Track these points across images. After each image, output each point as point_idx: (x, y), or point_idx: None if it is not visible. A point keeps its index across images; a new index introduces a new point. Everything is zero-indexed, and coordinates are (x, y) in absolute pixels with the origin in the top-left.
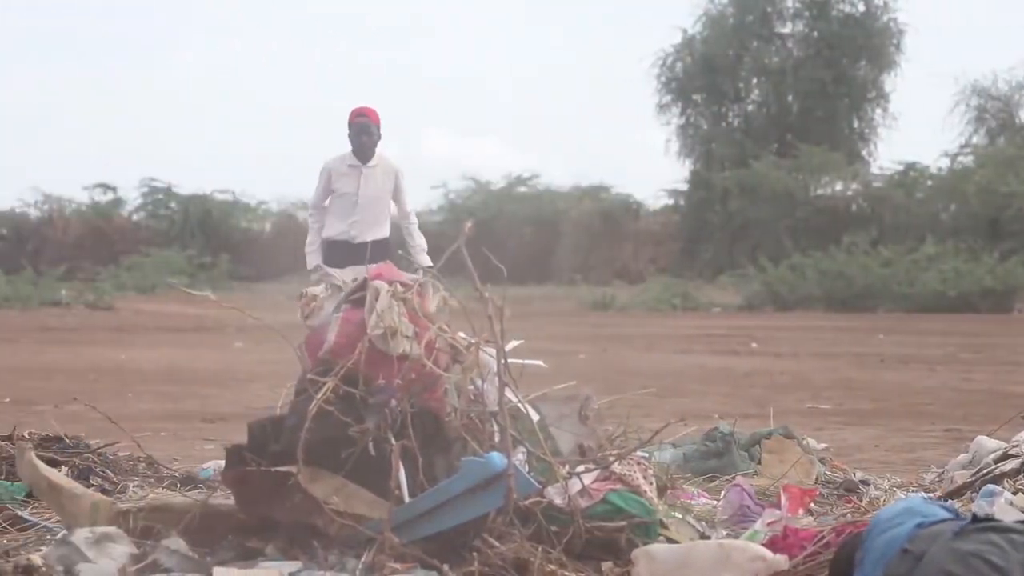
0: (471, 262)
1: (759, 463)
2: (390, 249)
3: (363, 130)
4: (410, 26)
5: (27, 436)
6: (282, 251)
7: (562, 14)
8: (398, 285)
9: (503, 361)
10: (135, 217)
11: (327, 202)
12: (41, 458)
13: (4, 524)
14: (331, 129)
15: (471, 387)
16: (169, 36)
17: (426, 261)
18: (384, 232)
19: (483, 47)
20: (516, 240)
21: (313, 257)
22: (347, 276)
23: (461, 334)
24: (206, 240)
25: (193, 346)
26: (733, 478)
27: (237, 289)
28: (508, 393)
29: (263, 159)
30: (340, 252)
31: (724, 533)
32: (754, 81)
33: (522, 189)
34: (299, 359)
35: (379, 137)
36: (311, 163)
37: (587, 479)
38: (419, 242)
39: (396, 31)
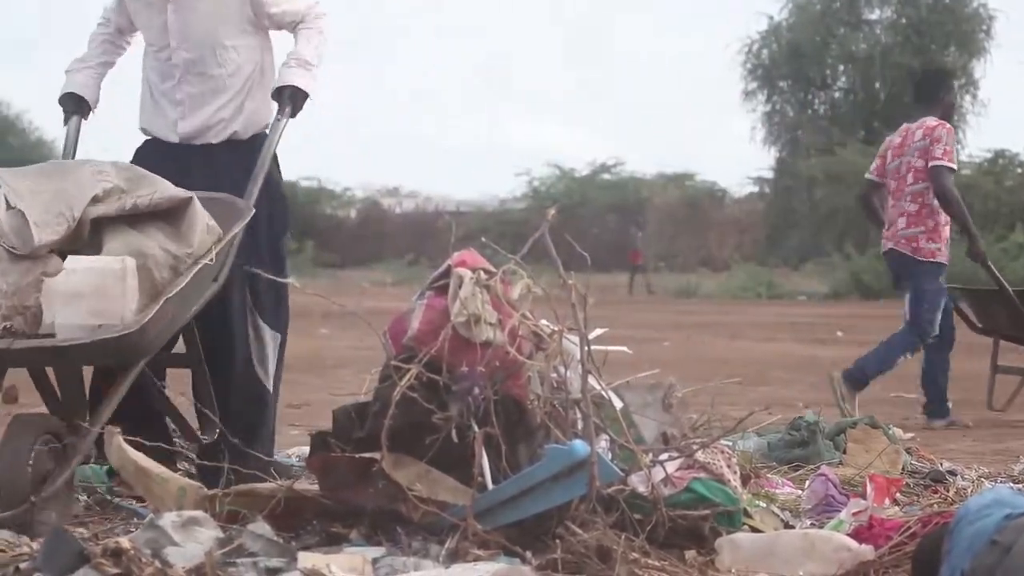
0: (555, 249)
1: (844, 452)
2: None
3: None
4: (494, 13)
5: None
6: (367, 238)
7: (647, 1)
8: (482, 272)
9: (586, 348)
10: None
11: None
12: (129, 442)
13: (94, 507)
14: (417, 116)
15: (554, 375)
16: None
17: (289, 76)
18: (248, 119)
19: (567, 35)
20: (600, 227)
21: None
22: (26, 187)
23: (544, 321)
24: (291, 226)
25: None
26: (818, 467)
27: (322, 276)
28: (591, 381)
29: (348, 145)
30: (154, 161)
31: (809, 523)
32: (841, 68)
33: (606, 176)
34: (383, 346)
35: None
36: (397, 151)
37: (671, 467)
38: (300, 50)
39: (480, 18)
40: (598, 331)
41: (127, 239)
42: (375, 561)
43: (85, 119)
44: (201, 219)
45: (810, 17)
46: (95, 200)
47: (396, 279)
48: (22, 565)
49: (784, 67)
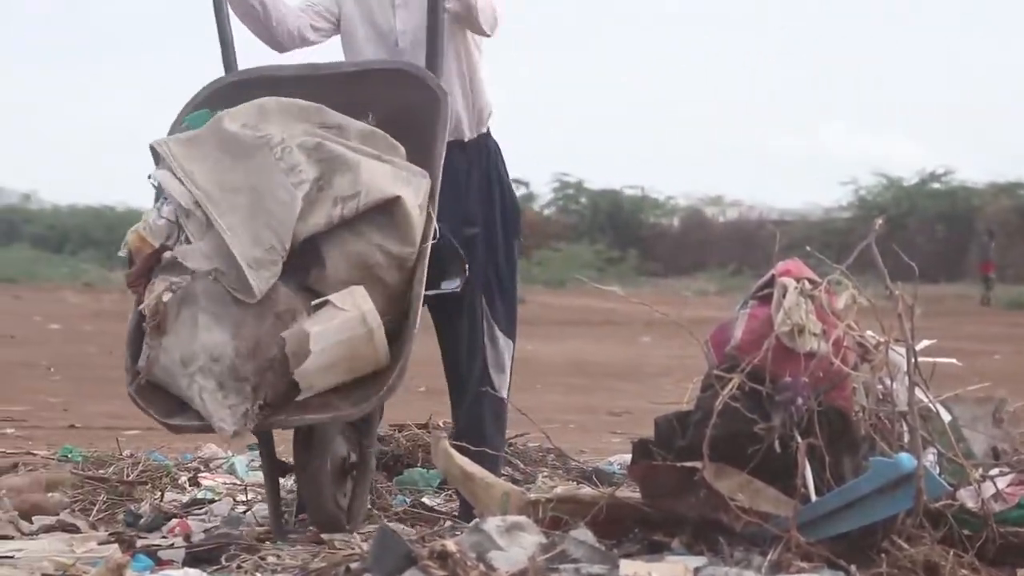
0: (881, 259)
1: None
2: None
3: None
4: (811, 20)
5: (441, 425)
6: (690, 247)
7: (971, 3)
8: (806, 282)
9: (913, 360)
10: (546, 212)
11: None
12: (454, 447)
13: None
14: (741, 125)
15: (880, 386)
16: (582, 38)
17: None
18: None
19: (889, 42)
20: (927, 237)
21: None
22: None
23: (870, 332)
24: (615, 235)
25: (601, 340)
26: None
27: (644, 284)
28: (918, 393)
29: (672, 154)
30: None
31: None
32: None
33: (935, 185)
34: (705, 355)
35: None
36: (721, 159)
37: (1001, 483)
38: None
39: (798, 26)
40: (925, 342)
41: (345, 248)
42: (697, 570)
43: None
44: (414, 209)
45: None
46: (300, 214)
47: (719, 288)
48: (352, 565)
49: None
